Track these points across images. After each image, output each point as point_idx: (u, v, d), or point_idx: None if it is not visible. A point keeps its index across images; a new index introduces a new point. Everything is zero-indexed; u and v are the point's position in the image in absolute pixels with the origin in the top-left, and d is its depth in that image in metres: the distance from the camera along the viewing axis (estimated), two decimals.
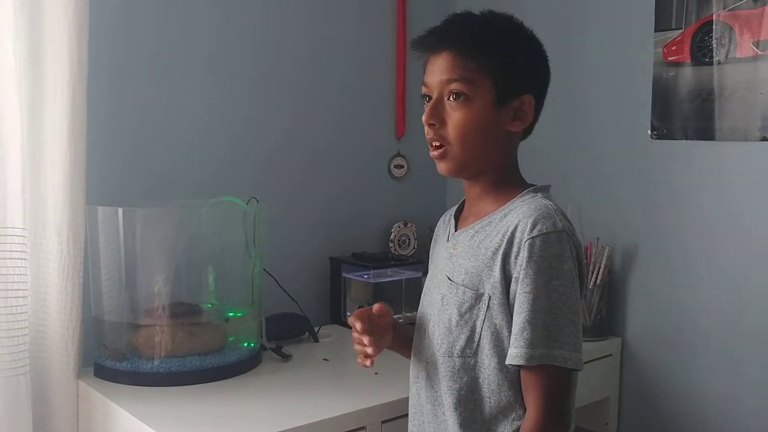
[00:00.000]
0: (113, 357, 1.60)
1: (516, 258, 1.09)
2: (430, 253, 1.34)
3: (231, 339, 1.68)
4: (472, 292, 1.14)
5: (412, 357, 1.28)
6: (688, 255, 1.80)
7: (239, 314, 1.73)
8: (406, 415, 1.30)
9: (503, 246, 1.11)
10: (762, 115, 1.65)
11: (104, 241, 1.62)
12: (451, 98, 1.14)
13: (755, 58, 1.66)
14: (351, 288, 2.05)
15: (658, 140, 1.84)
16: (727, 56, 1.71)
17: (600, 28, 1.95)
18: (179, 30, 1.81)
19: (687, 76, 1.78)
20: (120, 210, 1.60)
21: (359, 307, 1.28)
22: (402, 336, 1.31)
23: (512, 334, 1.09)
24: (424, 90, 1.18)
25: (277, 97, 1.98)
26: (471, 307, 1.14)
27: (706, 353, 1.78)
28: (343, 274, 2.04)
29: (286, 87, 2.00)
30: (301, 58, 2.02)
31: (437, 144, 1.16)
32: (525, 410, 1.12)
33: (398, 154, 2.22)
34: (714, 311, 1.76)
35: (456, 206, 1.30)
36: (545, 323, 1.06)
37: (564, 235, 1.09)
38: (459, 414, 1.15)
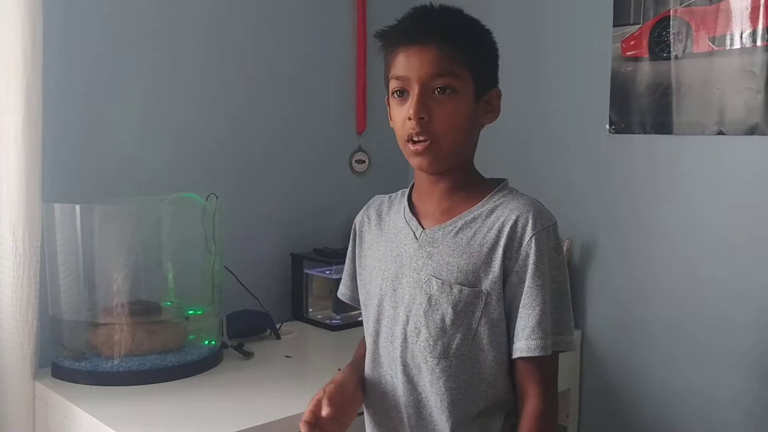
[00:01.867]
0: (71, 356, 1.58)
1: (518, 251, 1.12)
2: (357, 252, 1.30)
3: (191, 337, 1.67)
4: (469, 289, 1.13)
5: (374, 368, 1.23)
6: (646, 247, 1.83)
7: (199, 312, 1.71)
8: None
9: (503, 241, 1.12)
10: (718, 109, 1.69)
11: (61, 238, 1.59)
12: (436, 92, 1.12)
13: (711, 53, 1.69)
14: (313, 284, 2.04)
15: (616, 134, 1.86)
16: (684, 51, 1.73)
17: (559, 22, 1.97)
18: (130, 26, 1.77)
19: (645, 70, 1.80)
20: (77, 207, 1.57)
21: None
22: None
23: (525, 327, 1.11)
24: (398, 84, 1.15)
25: (236, 92, 1.96)
26: (467, 305, 1.13)
27: (664, 344, 1.81)
28: (305, 270, 2.03)
29: (243, 82, 1.97)
30: (258, 53, 2.00)
31: (423, 138, 1.13)
32: (516, 403, 1.14)
33: (359, 149, 2.22)
34: (672, 302, 1.79)
35: (391, 201, 1.27)
36: (552, 313, 1.11)
37: (557, 227, 1.15)
38: (455, 414, 1.14)
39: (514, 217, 1.13)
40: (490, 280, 1.13)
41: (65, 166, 1.67)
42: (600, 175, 1.91)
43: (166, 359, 1.58)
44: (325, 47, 2.12)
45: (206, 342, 1.68)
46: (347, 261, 1.34)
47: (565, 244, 1.91)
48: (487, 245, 1.13)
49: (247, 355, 1.72)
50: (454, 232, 1.16)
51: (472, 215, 1.16)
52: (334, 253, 2.01)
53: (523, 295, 1.11)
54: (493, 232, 1.13)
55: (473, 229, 1.15)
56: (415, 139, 1.13)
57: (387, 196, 1.31)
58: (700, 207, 1.73)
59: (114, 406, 1.43)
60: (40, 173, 1.53)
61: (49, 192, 1.57)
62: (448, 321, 1.13)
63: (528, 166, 2.04)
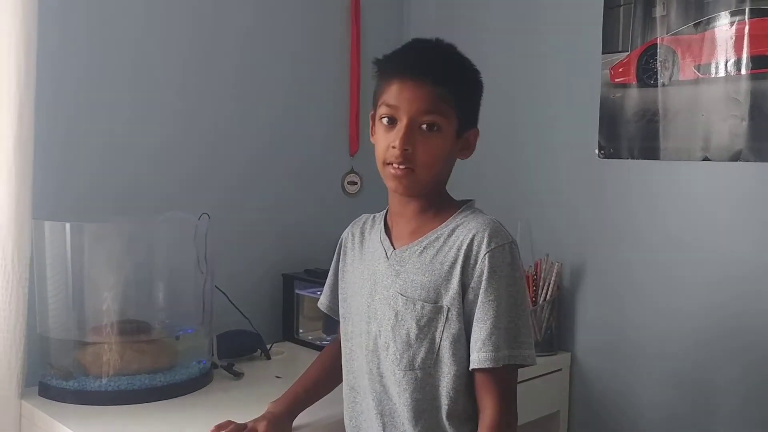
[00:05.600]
0: (59, 376, 1.56)
1: (473, 269, 1.18)
2: (340, 266, 1.39)
3: (181, 357, 1.66)
4: (431, 305, 1.20)
5: (350, 378, 1.32)
6: (634, 271, 1.85)
7: (190, 331, 1.70)
8: None
9: (461, 258, 1.19)
10: (703, 135, 1.71)
11: (51, 257, 1.58)
12: (424, 127, 1.19)
13: (696, 81, 1.72)
14: (304, 304, 2.04)
15: (605, 159, 1.89)
16: (670, 79, 1.77)
17: (549, 50, 2.00)
18: (126, 46, 1.78)
19: (633, 97, 1.83)
20: (67, 225, 1.57)
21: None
22: (300, 407, 1.39)
23: (477, 340, 1.16)
24: (388, 111, 1.20)
25: (228, 114, 1.97)
26: (430, 320, 1.20)
27: (653, 368, 1.82)
28: (296, 291, 2.03)
29: (235, 103, 1.99)
30: (253, 74, 2.01)
31: (404, 166, 1.19)
32: (477, 413, 1.19)
33: (352, 171, 2.23)
34: (660, 326, 1.80)
35: (374, 221, 1.35)
36: (507, 327, 1.16)
37: (513, 245, 1.20)
38: (421, 423, 1.21)
39: (470, 236, 1.19)
40: (449, 296, 1.19)
41: (56, 184, 1.67)
42: (589, 199, 1.93)
43: (155, 379, 1.57)
44: (318, 68, 2.14)
45: (196, 362, 1.67)
46: (330, 272, 1.44)
47: (555, 266, 1.92)
48: (447, 263, 1.20)
49: (237, 375, 1.72)
50: (419, 251, 1.24)
51: (435, 235, 1.23)
52: (325, 274, 1.99)
53: (477, 310, 1.17)
54: (453, 250, 1.20)
55: (435, 248, 1.22)
56: (395, 164, 1.19)
57: (372, 215, 1.39)
58: (686, 231, 1.75)
59: (102, 426, 1.42)
60: (30, 191, 1.52)
61: (39, 210, 1.57)
62: (412, 336, 1.21)
63: (519, 189, 2.06)
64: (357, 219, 1.41)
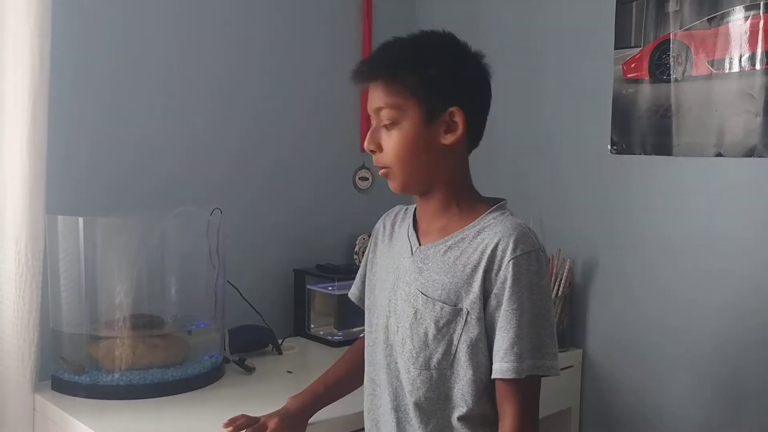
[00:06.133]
0: (72, 370, 1.57)
1: (497, 275, 1.14)
2: (370, 257, 1.37)
3: (193, 351, 1.66)
4: (450, 307, 1.17)
5: (370, 370, 1.30)
6: (646, 267, 1.84)
7: (202, 326, 1.71)
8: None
9: (483, 263, 1.15)
10: (717, 131, 1.70)
11: (64, 251, 1.59)
12: (384, 124, 1.19)
13: (710, 76, 1.71)
14: (315, 300, 2.05)
15: (617, 155, 1.88)
16: (683, 74, 1.75)
17: (562, 46, 1.99)
18: (141, 40, 1.79)
19: (645, 92, 1.82)
20: (81, 220, 1.57)
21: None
22: (320, 404, 1.39)
23: (499, 349, 1.13)
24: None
25: (241, 107, 1.98)
26: (448, 322, 1.17)
27: (664, 363, 1.81)
28: (308, 286, 2.03)
29: (249, 97, 1.99)
30: (265, 69, 2.02)
31: (380, 166, 1.22)
32: (496, 421, 1.16)
33: (363, 166, 2.23)
34: (672, 322, 1.79)
35: (405, 214, 1.33)
36: (530, 337, 1.12)
37: (541, 252, 1.16)
38: (433, 423, 1.19)
39: (496, 240, 1.15)
40: (470, 300, 1.16)
41: (69, 178, 1.68)
42: (602, 195, 1.92)
43: (167, 373, 1.58)
44: (331, 65, 2.14)
45: (208, 356, 1.68)
46: (362, 263, 1.40)
47: (567, 263, 1.92)
48: (470, 266, 1.16)
49: (249, 370, 1.72)
50: (443, 250, 1.20)
51: (462, 235, 1.20)
52: (337, 269, 2.02)
53: (500, 318, 1.14)
54: (477, 253, 1.16)
55: (460, 249, 1.19)
56: (376, 167, 1.22)
57: (405, 207, 1.36)
58: (699, 227, 1.74)
59: (114, 420, 1.43)
60: (43, 185, 1.53)
61: (53, 204, 1.58)
62: (430, 336, 1.18)
63: (531, 185, 2.05)
64: (391, 209, 1.38)
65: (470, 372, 1.16)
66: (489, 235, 1.17)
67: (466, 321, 1.16)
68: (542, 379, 1.16)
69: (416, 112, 1.17)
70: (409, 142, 1.18)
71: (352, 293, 1.44)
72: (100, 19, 1.73)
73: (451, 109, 1.17)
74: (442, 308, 1.17)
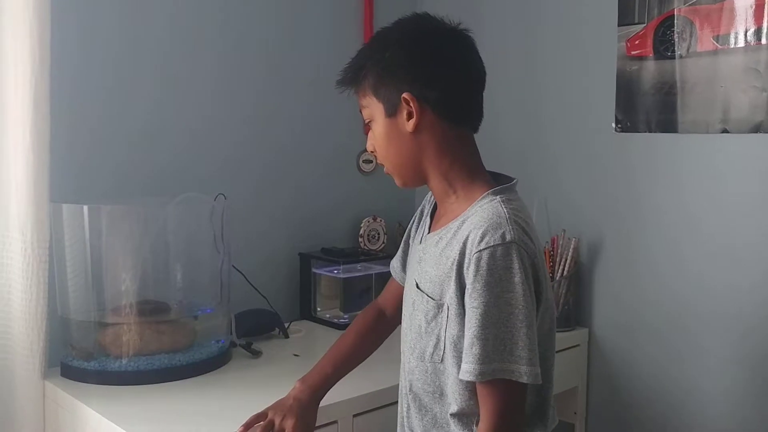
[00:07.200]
0: (80, 356, 1.58)
1: (467, 269, 1.08)
2: (412, 233, 1.34)
3: (200, 336, 1.67)
4: (435, 301, 1.15)
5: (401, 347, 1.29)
6: (651, 245, 1.83)
7: (208, 311, 1.72)
8: (377, 408, 1.31)
9: (458, 257, 1.10)
10: (722, 107, 1.69)
11: (69, 239, 1.60)
12: (368, 125, 1.23)
13: (715, 52, 1.69)
14: (321, 283, 2.05)
15: (622, 133, 1.87)
16: (688, 50, 1.74)
17: (564, 23, 1.97)
18: (142, 26, 1.78)
19: (650, 69, 1.80)
20: (85, 207, 1.58)
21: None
22: (328, 387, 1.36)
23: (464, 348, 1.08)
24: None
25: (244, 92, 1.97)
26: (434, 316, 1.15)
27: (670, 342, 1.81)
28: (313, 270, 2.04)
29: (252, 82, 1.98)
30: (268, 52, 2.01)
31: (380, 164, 1.25)
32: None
33: (366, 149, 2.22)
34: (676, 301, 1.79)
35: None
36: (498, 337, 1.05)
37: (513, 246, 1.06)
38: (429, 416, 1.19)
39: (468, 232, 1.10)
40: (449, 295, 1.12)
41: (73, 166, 1.68)
42: (606, 174, 1.91)
43: (174, 358, 1.59)
44: (333, 49, 2.13)
45: (215, 341, 1.69)
46: (405, 236, 1.38)
47: (572, 242, 1.91)
48: (450, 259, 1.12)
49: (256, 354, 1.73)
50: (436, 241, 1.18)
51: (451, 225, 1.16)
52: (342, 252, 2.02)
53: (465, 316, 1.09)
54: (458, 245, 1.11)
55: (446, 240, 1.15)
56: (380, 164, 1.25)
57: None
58: (704, 205, 1.74)
59: (123, 405, 1.44)
60: (48, 174, 1.53)
61: (57, 192, 1.58)
62: (423, 328, 1.17)
63: (535, 165, 2.04)
64: None
65: (455, 369, 1.11)
66: (468, 226, 1.11)
67: (447, 317, 1.12)
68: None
69: (379, 108, 1.19)
70: (382, 138, 1.20)
71: (392, 266, 1.41)
72: (101, 6, 1.72)
73: (403, 95, 1.15)
74: (428, 302, 1.15)
